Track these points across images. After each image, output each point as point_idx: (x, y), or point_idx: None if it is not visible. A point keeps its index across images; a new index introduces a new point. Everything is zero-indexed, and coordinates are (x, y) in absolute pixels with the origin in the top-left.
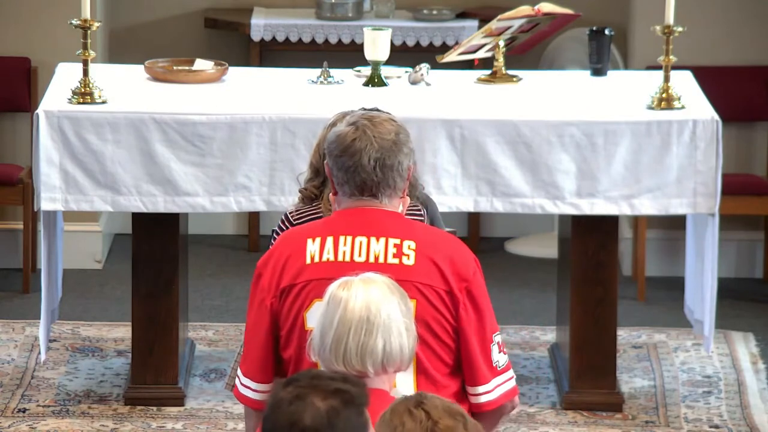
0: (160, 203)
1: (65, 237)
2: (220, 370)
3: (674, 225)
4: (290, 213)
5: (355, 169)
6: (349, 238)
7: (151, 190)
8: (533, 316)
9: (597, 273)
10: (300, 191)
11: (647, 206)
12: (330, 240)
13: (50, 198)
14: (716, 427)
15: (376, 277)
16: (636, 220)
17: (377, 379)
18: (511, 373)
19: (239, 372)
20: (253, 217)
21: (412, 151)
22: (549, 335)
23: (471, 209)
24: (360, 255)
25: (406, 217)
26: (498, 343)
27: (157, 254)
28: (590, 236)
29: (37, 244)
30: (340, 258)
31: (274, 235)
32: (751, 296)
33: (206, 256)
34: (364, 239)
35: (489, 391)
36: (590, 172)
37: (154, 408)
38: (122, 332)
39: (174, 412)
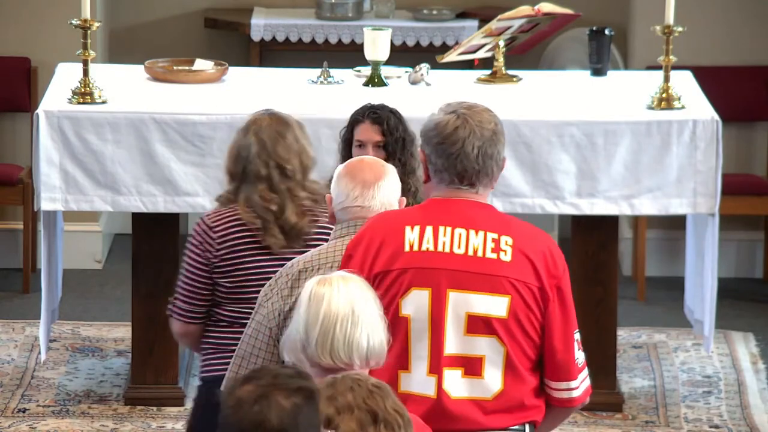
0: (160, 203)
1: (65, 237)
2: None
3: (674, 225)
4: (207, 216)
5: (457, 157)
6: (449, 229)
7: (151, 190)
8: None
9: (597, 273)
10: (217, 199)
11: (647, 206)
12: (429, 229)
13: (50, 198)
14: (716, 427)
15: (350, 275)
16: (636, 220)
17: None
18: (587, 369)
19: None
20: None
21: (505, 144)
22: None
23: None
24: (459, 247)
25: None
26: (577, 340)
27: (157, 254)
28: (590, 236)
29: (37, 244)
30: (440, 248)
31: (191, 239)
32: (751, 296)
33: None
34: (463, 231)
35: (576, 388)
36: (590, 172)
37: (154, 408)
38: (122, 332)
39: (174, 412)
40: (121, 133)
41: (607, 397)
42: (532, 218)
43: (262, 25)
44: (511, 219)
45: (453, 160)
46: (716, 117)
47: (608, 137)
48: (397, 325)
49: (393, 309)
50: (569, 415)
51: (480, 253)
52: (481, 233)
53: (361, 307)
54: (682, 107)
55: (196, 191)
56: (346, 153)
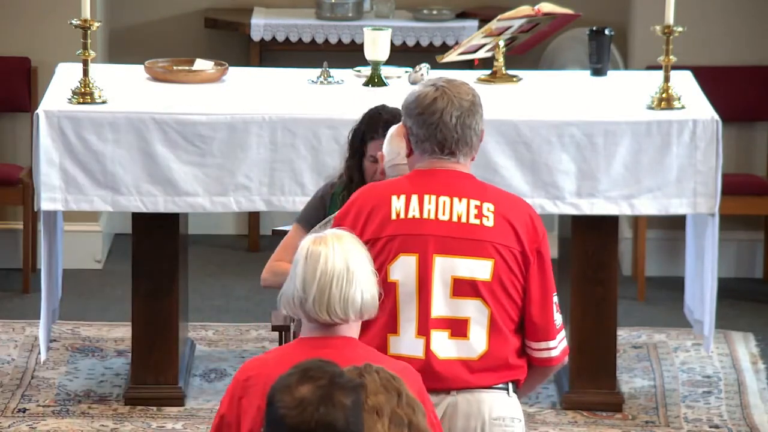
0: (160, 203)
1: (65, 237)
2: (220, 370)
3: (674, 225)
4: None
5: (437, 126)
6: (434, 197)
7: (151, 190)
8: None
9: (597, 273)
10: None
11: (647, 206)
12: (415, 198)
13: (50, 198)
14: (716, 427)
15: (343, 233)
16: (636, 220)
17: (351, 326)
18: (564, 331)
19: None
20: (253, 217)
21: (483, 115)
22: None
23: None
24: (444, 214)
25: None
26: (556, 303)
27: (157, 254)
28: (590, 236)
29: (37, 244)
30: (425, 215)
31: None
32: (751, 296)
33: (206, 256)
34: (447, 199)
35: (554, 348)
36: (590, 172)
37: (154, 408)
38: (122, 332)
39: (174, 412)
40: (121, 133)
41: (607, 397)
42: None
43: (262, 25)
44: (491, 187)
45: (433, 129)
46: (716, 117)
47: (608, 137)
48: (386, 290)
49: (382, 275)
50: (549, 374)
51: (464, 219)
52: (464, 200)
53: (355, 264)
54: (682, 107)
55: (196, 191)
56: (357, 164)
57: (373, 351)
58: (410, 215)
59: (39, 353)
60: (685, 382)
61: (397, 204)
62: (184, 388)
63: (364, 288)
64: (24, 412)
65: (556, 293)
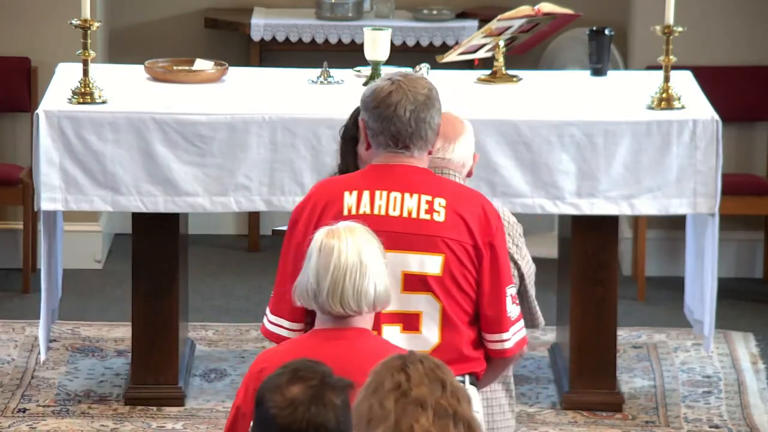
0: (160, 203)
1: (65, 237)
2: (220, 370)
3: (674, 225)
4: None
5: (390, 119)
6: (385, 193)
7: (151, 190)
8: None
9: (597, 273)
10: None
11: (647, 206)
12: (366, 194)
13: (50, 198)
14: (716, 427)
15: (356, 225)
16: (636, 220)
17: (365, 318)
18: (522, 323)
19: (267, 311)
20: (253, 217)
21: (441, 110)
22: (549, 335)
23: None
24: (394, 210)
25: None
26: (511, 295)
27: (157, 254)
28: (590, 236)
29: (37, 244)
30: (376, 211)
31: None
32: (751, 296)
33: (206, 256)
34: (398, 195)
35: (507, 340)
36: (590, 172)
37: (154, 408)
38: (122, 332)
39: (174, 412)
40: (121, 133)
41: (607, 397)
42: (532, 218)
43: (262, 25)
44: (446, 181)
45: (387, 122)
46: (716, 117)
47: (608, 137)
48: None
49: None
50: (507, 365)
51: (414, 215)
52: (415, 196)
53: (367, 257)
54: (682, 107)
55: (196, 191)
56: (351, 151)
57: (386, 342)
58: (361, 211)
59: (39, 353)
60: (685, 382)
61: (349, 200)
62: (184, 388)
63: (377, 280)
64: (24, 412)
65: (512, 285)
